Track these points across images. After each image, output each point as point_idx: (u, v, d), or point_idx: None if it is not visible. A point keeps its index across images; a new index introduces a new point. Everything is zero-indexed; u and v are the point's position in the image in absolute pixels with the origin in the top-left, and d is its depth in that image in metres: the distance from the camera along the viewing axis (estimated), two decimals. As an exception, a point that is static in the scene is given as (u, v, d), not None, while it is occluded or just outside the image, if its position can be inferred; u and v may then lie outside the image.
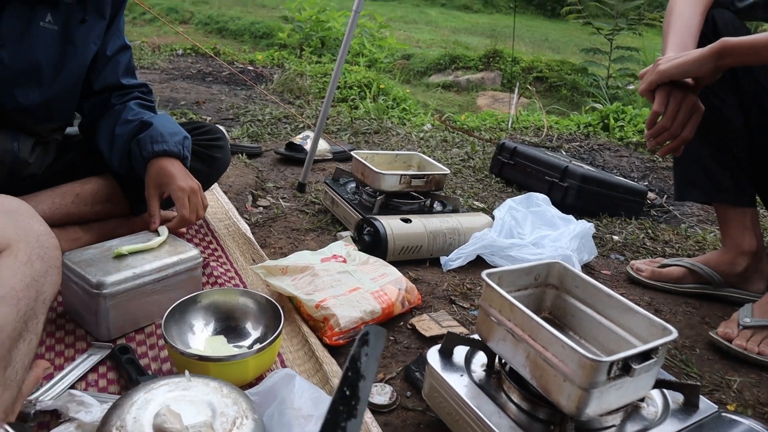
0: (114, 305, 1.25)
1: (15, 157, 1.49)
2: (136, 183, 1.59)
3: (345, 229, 2.00)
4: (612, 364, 0.91)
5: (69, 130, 1.73)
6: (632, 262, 1.95)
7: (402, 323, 1.47)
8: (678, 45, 1.49)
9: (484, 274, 1.08)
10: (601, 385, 0.91)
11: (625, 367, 0.93)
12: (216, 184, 2.15)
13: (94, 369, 1.19)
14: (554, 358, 0.95)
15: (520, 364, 1.03)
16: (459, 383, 1.08)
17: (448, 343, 1.14)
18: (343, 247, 1.63)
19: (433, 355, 1.13)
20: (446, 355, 1.14)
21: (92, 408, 1.04)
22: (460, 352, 1.15)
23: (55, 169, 1.65)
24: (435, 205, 2.09)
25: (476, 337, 1.15)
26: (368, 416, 1.12)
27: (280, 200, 2.24)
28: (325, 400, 1.01)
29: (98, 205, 1.65)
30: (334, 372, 1.21)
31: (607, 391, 0.94)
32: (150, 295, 1.32)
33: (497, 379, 1.11)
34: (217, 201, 2.07)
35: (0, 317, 0.85)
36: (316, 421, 0.94)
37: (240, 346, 1.22)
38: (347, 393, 0.68)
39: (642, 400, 1.09)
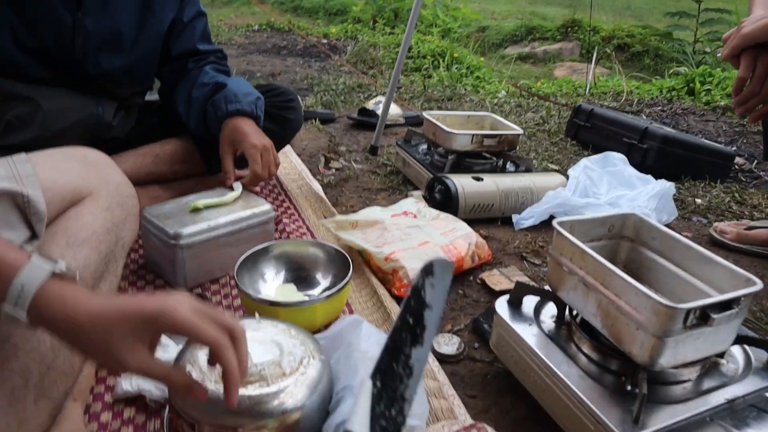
0: (190, 256, 1.30)
1: (99, 121, 1.56)
2: (212, 143, 1.63)
3: (416, 188, 1.99)
4: (689, 311, 0.87)
5: (149, 96, 1.79)
6: (716, 224, 1.86)
7: (471, 278, 1.46)
8: (766, 4, 1.38)
9: (555, 222, 1.06)
10: (677, 333, 0.88)
11: (703, 316, 0.89)
12: (289, 146, 2.19)
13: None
14: (627, 306, 0.92)
15: (591, 314, 1.00)
16: (528, 333, 1.06)
17: (517, 293, 1.12)
18: (414, 204, 1.63)
19: (501, 305, 1.12)
20: (515, 306, 1.12)
21: (169, 347, 1.09)
22: (529, 303, 1.13)
23: (136, 132, 1.72)
24: (507, 166, 2.05)
25: (546, 287, 1.13)
26: (435, 365, 1.13)
27: (352, 163, 2.26)
28: (392, 345, 1.01)
29: (176, 165, 1.71)
30: (402, 322, 1.21)
31: (683, 341, 0.90)
32: (224, 247, 1.36)
33: (567, 330, 1.09)
34: (290, 162, 2.11)
35: (83, 258, 0.90)
36: (383, 363, 0.95)
37: (309, 295, 1.25)
38: (410, 321, 0.68)
39: (722, 356, 1.04)
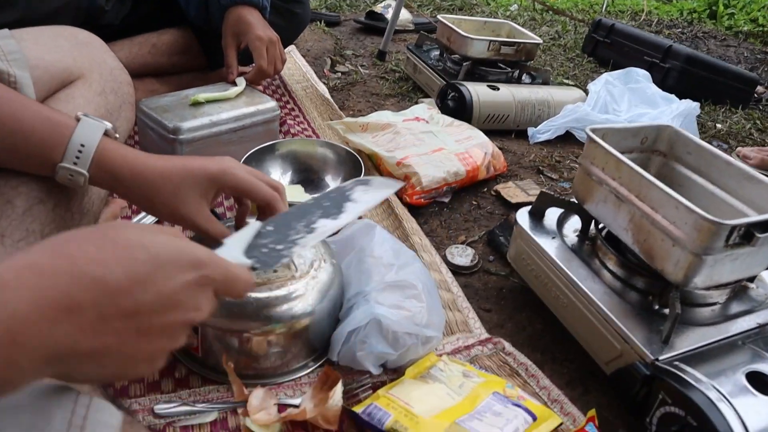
0: (190, 152, 1.21)
1: (92, 3, 1.43)
2: (214, 35, 1.51)
3: (427, 96, 1.89)
4: (733, 228, 0.80)
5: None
6: (738, 148, 1.78)
7: (486, 189, 1.39)
8: None
9: (588, 129, 0.97)
10: (717, 252, 0.82)
11: (747, 235, 0.82)
12: (293, 46, 2.06)
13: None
14: (664, 220, 0.85)
15: (621, 228, 0.93)
16: (551, 246, 1.00)
17: (540, 203, 1.05)
18: (426, 110, 1.53)
19: (522, 216, 1.05)
20: (537, 217, 1.05)
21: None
22: (551, 216, 1.06)
23: (132, 19, 1.59)
24: (523, 77, 1.95)
25: (571, 199, 1.05)
26: (448, 275, 1.07)
27: (359, 67, 2.14)
28: (406, 252, 0.95)
29: (175, 56, 1.59)
30: (414, 230, 1.15)
31: (722, 260, 0.84)
32: (226, 145, 1.27)
33: (591, 245, 1.02)
34: (295, 63, 1.99)
35: None
36: (397, 271, 0.89)
37: (317, 197, 1.17)
38: (326, 203, 0.70)
39: (752, 280, 0.99)
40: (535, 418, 0.79)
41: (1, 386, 0.35)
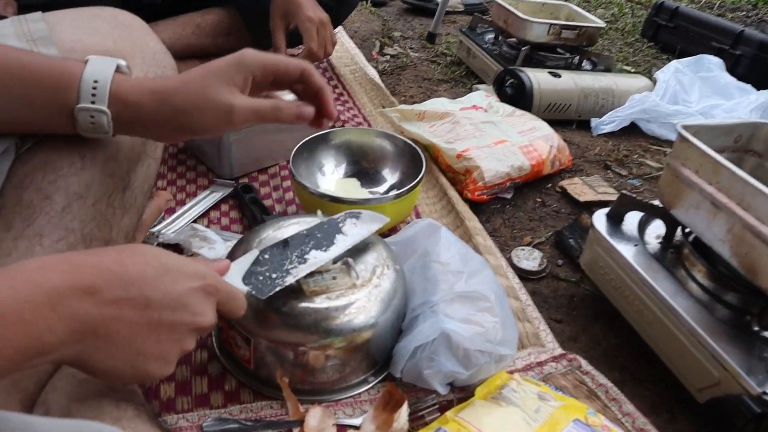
0: (237, 140, 1.15)
1: (132, -20, 1.37)
2: (260, 15, 1.44)
3: (481, 81, 1.79)
4: None
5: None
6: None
7: (550, 185, 1.29)
8: None
9: (680, 126, 0.87)
10: (834, 270, 0.72)
11: None
12: (340, 27, 1.98)
13: (216, 207, 1.11)
14: (773, 233, 0.75)
15: (716, 238, 0.83)
16: (631, 254, 0.91)
17: (620, 206, 0.96)
18: (484, 97, 1.44)
19: (600, 219, 0.96)
20: (616, 221, 0.96)
21: (215, 244, 0.95)
22: (631, 220, 0.97)
23: (174, -1, 1.52)
24: (584, 64, 1.83)
25: (656, 202, 0.96)
26: (515, 281, 0.98)
27: (408, 50, 2.04)
28: (475, 258, 0.87)
29: (219, 37, 1.52)
30: (477, 229, 1.06)
31: (837, 278, 0.74)
32: (274, 133, 1.20)
33: (676, 253, 0.93)
34: (342, 45, 1.91)
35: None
36: (467, 279, 0.81)
37: (374, 192, 1.09)
38: (318, 235, 0.76)
39: None
40: (622, 453, 0.71)
41: (34, 354, 0.42)
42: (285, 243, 0.72)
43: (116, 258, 0.48)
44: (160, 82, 0.64)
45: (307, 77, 0.69)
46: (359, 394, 0.78)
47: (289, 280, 0.68)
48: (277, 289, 0.67)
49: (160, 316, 0.49)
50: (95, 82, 0.60)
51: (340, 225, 0.78)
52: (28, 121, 0.64)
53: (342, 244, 0.75)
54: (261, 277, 0.67)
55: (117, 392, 0.59)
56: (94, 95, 0.60)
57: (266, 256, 0.69)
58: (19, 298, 0.41)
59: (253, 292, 0.65)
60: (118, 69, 0.62)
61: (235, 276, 0.64)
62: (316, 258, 0.72)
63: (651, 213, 0.96)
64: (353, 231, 0.78)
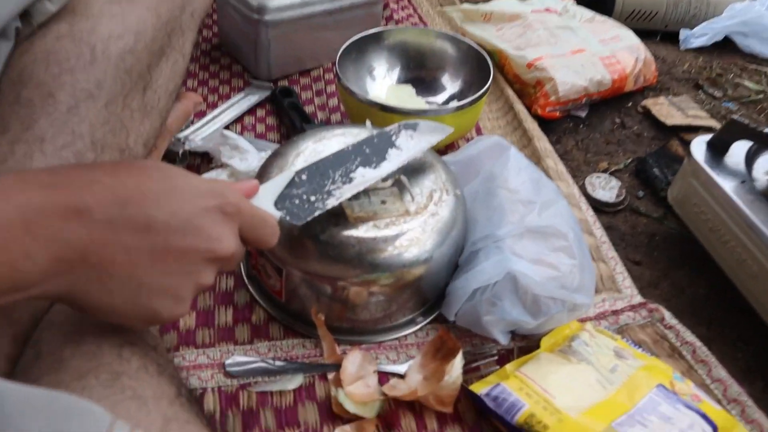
0: (276, 37, 1.01)
1: None
2: None
3: (554, -17, 1.59)
4: None
5: None
6: None
7: (631, 103, 1.13)
8: None
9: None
10: None
11: None
12: None
13: (251, 111, 0.98)
14: None
15: None
16: (736, 190, 0.76)
17: (725, 134, 0.80)
18: (559, -1, 1.26)
19: (699, 147, 0.81)
20: (719, 151, 0.81)
21: (248, 155, 0.84)
22: (737, 151, 0.82)
23: None
24: (674, -34, 1.60)
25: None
26: (589, 213, 0.85)
27: (471, -55, 1.83)
28: (548, 185, 0.74)
29: None
30: (547, 151, 0.92)
31: None
32: (319, 30, 1.06)
33: (788, 193, 0.78)
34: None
35: (135, 19, 0.62)
36: (540, 211, 0.68)
37: (431, 102, 0.95)
38: (366, 149, 0.63)
39: None
40: (715, 430, 0.59)
41: (10, 288, 0.34)
42: (326, 160, 0.60)
43: (110, 170, 0.39)
44: None
45: None
46: (405, 336, 0.68)
47: (331, 203, 0.57)
48: (317, 213, 0.55)
49: (165, 241, 0.40)
50: None
51: (393, 138, 0.65)
52: None
53: (395, 160, 0.63)
54: (297, 201, 0.55)
55: (123, 332, 0.49)
56: None
57: (303, 177, 0.57)
58: None
59: (288, 218, 0.54)
60: None
61: (265, 199, 0.53)
62: (364, 177, 0.60)
63: (764, 143, 0.80)
64: (409, 145, 0.65)
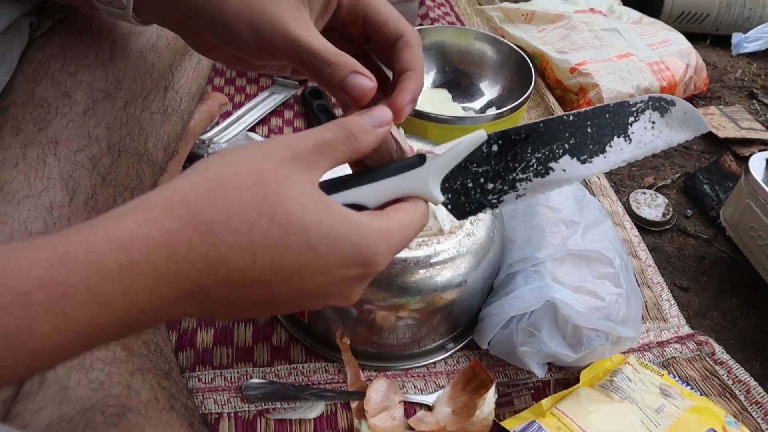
0: (308, 32, 0.96)
1: None
2: None
3: (599, -19, 1.52)
4: None
5: None
6: None
7: (680, 114, 1.06)
8: None
9: None
10: None
11: None
12: None
13: (277, 112, 0.94)
14: None
15: None
16: (798, 215, 0.70)
17: (788, 152, 0.74)
18: None
19: (758, 165, 0.75)
20: (780, 170, 0.75)
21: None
22: (800, 169, 0.76)
23: None
24: (726, -35, 1.53)
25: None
26: (634, 233, 0.80)
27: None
28: (592, 204, 0.69)
29: None
30: (590, 164, 0.87)
31: None
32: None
33: None
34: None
35: None
36: (584, 233, 0.63)
37: (467, 108, 0.90)
38: (603, 118, 0.42)
39: None
40: (773, 483, 0.54)
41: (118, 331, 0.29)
42: (534, 130, 0.42)
43: (242, 241, 0.30)
44: None
45: (403, 47, 0.43)
46: (434, 363, 0.63)
47: (508, 199, 0.43)
48: (485, 211, 0.43)
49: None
50: None
51: (631, 120, 0.43)
52: None
53: (615, 157, 0.43)
54: (470, 183, 0.42)
55: (133, 355, 0.46)
56: None
57: (495, 148, 0.42)
58: (86, 275, 0.27)
59: (450, 207, 0.42)
60: None
61: (433, 174, 0.40)
62: (565, 173, 0.43)
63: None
64: (644, 137, 0.43)
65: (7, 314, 0.25)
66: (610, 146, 0.43)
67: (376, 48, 0.45)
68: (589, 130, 0.42)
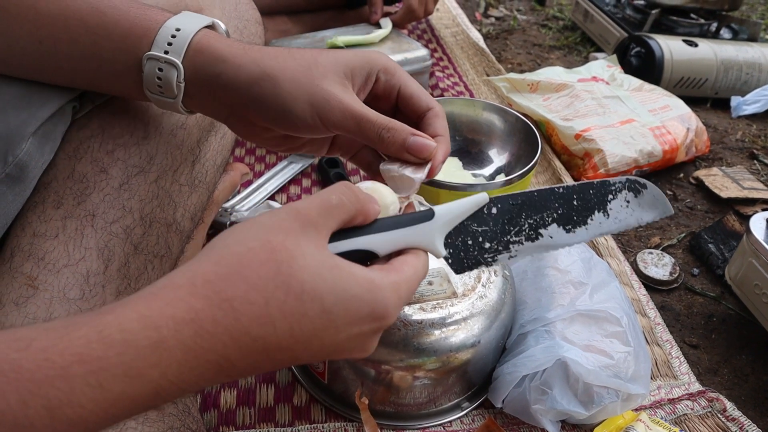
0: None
1: None
2: (356, -33, 1.30)
3: (599, 49, 1.59)
4: None
5: None
6: None
7: (683, 175, 1.10)
8: None
9: None
10: None
11: None
12: (443, -16, 1.81)
13: (296, 180, 0.99)
14: None
15: None
16: (800, 273, 0.73)
17: (786, 211, 0.77)
18: (606, 68, 1.25)
19: (759, 225, 0.78)
20: (780, 229, 0.78)
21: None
22: (798, 228, 0.78)
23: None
24: (722, 32, 1.59)
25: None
26: (642, 293, 0.82)
27: (515, 12, 1.85)
28: (599, 266, 0.71)
29: (312, -11, 1.39)
30: (596, 226, 0.90)
31: None
32: (366, 98, 1.07)
33: None
34: (444, 5, 1.74)
35: None
36: (592, 294, 0.66)
37: (478, 175, 0.94)
38: (587, 193, 0.47)
39: None
40: None
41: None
42: (528, 197, 0.48)
43: (261, 313, 0.34)
44: (257, 49, 0.50)
45: (433, 117, 0.50)
46: (450, 422, 0.65)
47: (502, 259, 0.47)
48: (481, 267, 0.47)
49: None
50: (177, 30, 0.48)
51: (611, 198, 0.48)
52: (88, 74, 0.53)
53: (595, 229, 0.48)
54: (470, 241, 0.46)
55: (164, 415, 0.48)
56: (170, 44, 0.48)
57: (494, 210, 0.46)
58: (120, 350, 0.30)
59: (450, 262, 0.45)
60: (211, 26, 0.50)
61: (439, 229, 0.44)
62: (552, 239, 0.47)
63: (828, 222, 0.77)
64: (620, 214, 0.49)
65: (50, 387, 0.28)
66: (591, 219, 0.48)
67: (404, 118, 0.50)
68: (575, 203, 0.47)
